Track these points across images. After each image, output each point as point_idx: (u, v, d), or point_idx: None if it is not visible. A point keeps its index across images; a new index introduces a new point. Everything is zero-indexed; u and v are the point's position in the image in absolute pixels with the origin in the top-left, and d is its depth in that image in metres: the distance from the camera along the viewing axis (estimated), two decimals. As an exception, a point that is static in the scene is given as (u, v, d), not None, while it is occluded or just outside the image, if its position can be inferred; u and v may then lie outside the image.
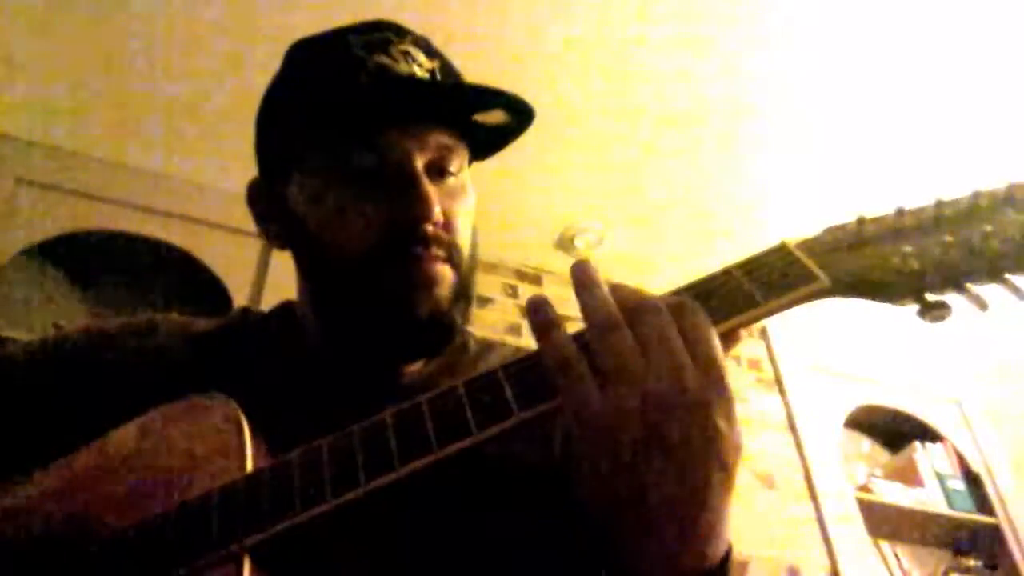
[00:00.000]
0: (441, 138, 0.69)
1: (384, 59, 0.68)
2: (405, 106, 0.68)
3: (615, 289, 0.51)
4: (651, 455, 0.45)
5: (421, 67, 0.70)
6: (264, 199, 0.76)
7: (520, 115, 0.73)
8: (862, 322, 2.77)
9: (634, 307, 0.49)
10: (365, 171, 0.67)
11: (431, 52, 0.73)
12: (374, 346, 0.69)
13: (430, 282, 0.66)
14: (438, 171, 0.70)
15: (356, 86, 0.67)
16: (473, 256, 0.72)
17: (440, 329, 0.68)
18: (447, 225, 0.68)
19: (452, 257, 0.68)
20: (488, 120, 0.72)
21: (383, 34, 0.71)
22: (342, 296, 0.69)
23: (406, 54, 0.70)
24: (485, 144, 0.76)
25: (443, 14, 1.95)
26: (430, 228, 0.66)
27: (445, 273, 0.67)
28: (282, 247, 0.76)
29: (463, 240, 0.70)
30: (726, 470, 0.46)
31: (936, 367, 3.09)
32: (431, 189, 0.66)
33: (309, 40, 0.74)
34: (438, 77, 0.71)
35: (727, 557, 0.48)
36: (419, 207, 0.65)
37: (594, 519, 0.49)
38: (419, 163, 0.67)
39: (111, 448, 0.62)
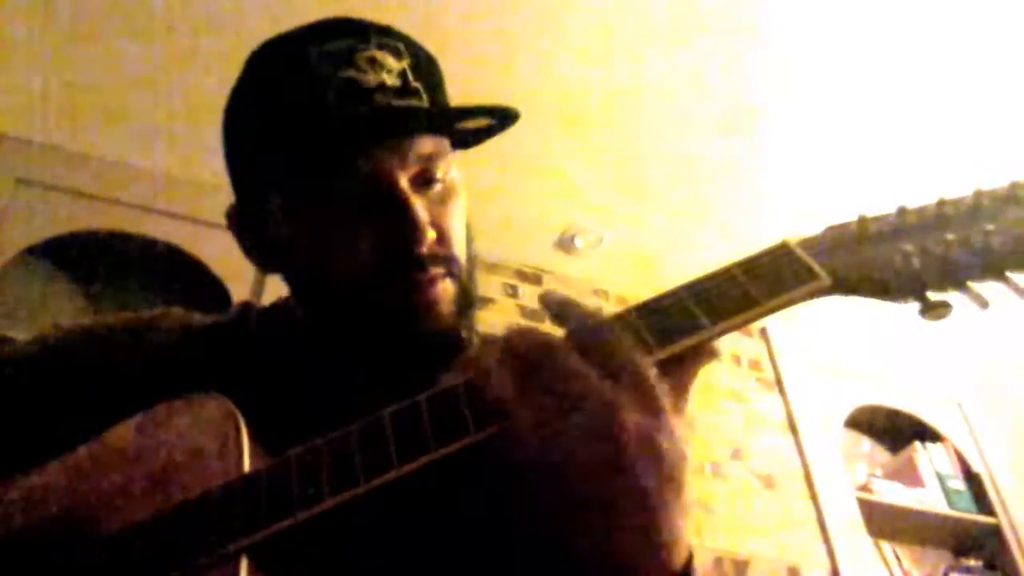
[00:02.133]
0: (422, 147, 0.66)
1: (350, 72, 0.64)
2: (379, 128, 0.65)
3: (519, 338, 0.50)
4: (590, 495, 0.45)
5: (391, 72, 0.66)
6: (243, 226, 0.74)
7: (503, 117, 0.71)
8: (862, 322, 2.77)
9: (540, 354, 0.49)
10: (347, 196, 0.64)
11: (398, 51, 0.68)
12: (379, 363, 0.68)
13: (432, 304, 0.65)
14: (425, 180, 0.67)
15: (324, 109, 0.63)
16: (471, 255, 0.71)
17: (447, 344, 0.66)
18: (441, 238, 0.66)
19: (451, 270, 0.67)
20: (470, 125, 0.70)
21: (346, 41, 0.66)
22: (339, 321, 0.68)
23: (372, 61, 0.66)
24: (471, 135, 0.73)
25: (443, 13, 1.95)
26: (424, 250, 0.64)
27: (446, 289, 0.66)
28: (270, 273, 0.74)
29: (459, 247, 0.69)
30: (677, 484, 0.46)
31: (936, 367, 3.09)
32: (420, 208, 0.63)
33: (267, 51, 0.71)
34: (410, 79, 0.67)
35: (689, 561, 0.48)
36: (411, 233, 0.63)
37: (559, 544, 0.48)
38: (403, 181, 0.64)
39: (109, 446, 0.62)
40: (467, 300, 0.68)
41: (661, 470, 0.45)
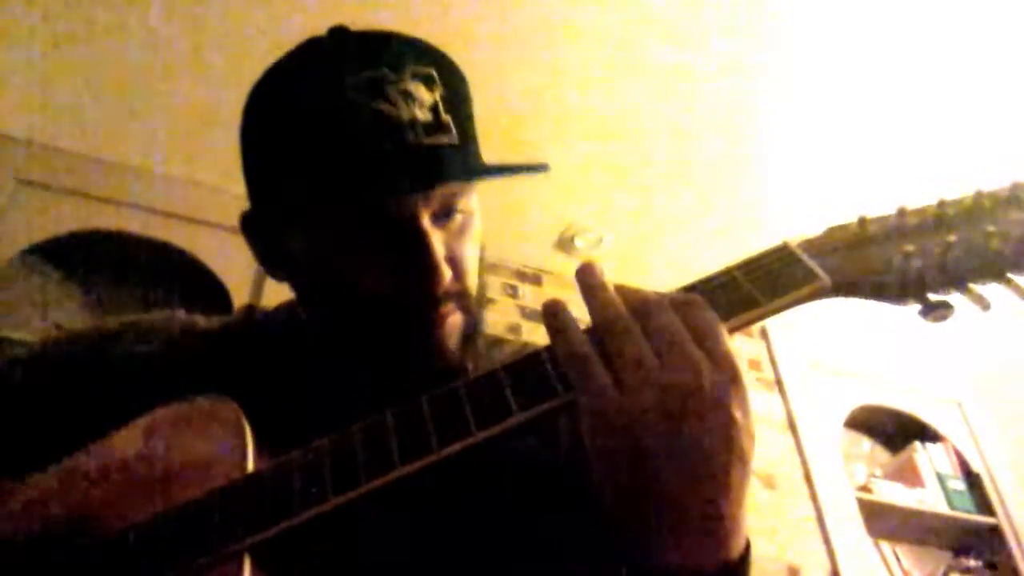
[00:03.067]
0: (449, 187, 0.66)
1: (383, 105, 0.63)
2: (407, 171, 0.64)
3: (619, 289, 0.52)
4: (672, 452, 0.45)
5: (423, 108, 0.65)
6: (260, 235, 0.73)
7: (531, 170, 0.71)
8: (862, 322, 2.77)
9: (641, 305, 0.50)
10: (369, 228, 0.64)
11: (430, 80, 0.67)
12: (379, 381, 0.68)
13: (442, 340, 0.65)
14: (445, 213, 0.67)
15: (354, 141, 0.63)
16: (481, 281, 0.71)
17: (448, 372, 0.66)
18: (456, 272, 0.66)
19: (463, 305, 0.67)
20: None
21: (380, 70, 0.65)
22: (348, 344, 0.68)
23: (405, 94, 0.64)
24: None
25: (445, 15, 1.95)
26: (442, 290, 0.64)
27: (456, 323, 0.66)
28: (283, 282, 0.74)
29: (472, 278, 0.69)
30: (744, 462, 0.47)
31: (936, 367, 3.09)
32: (440, 246, 0.64)
33: (298, 68, 0.69)
34: (441, 112, 0.65)
35: (747, 552, 0.49)
36: (431, 275, 0.63)
37: (614, 517, 0.49)
38: (426, 220, 0.64)
39: (113, 449, 0.62)
40: (473, 328, 0.69)
41: (738, 450, 0.46)
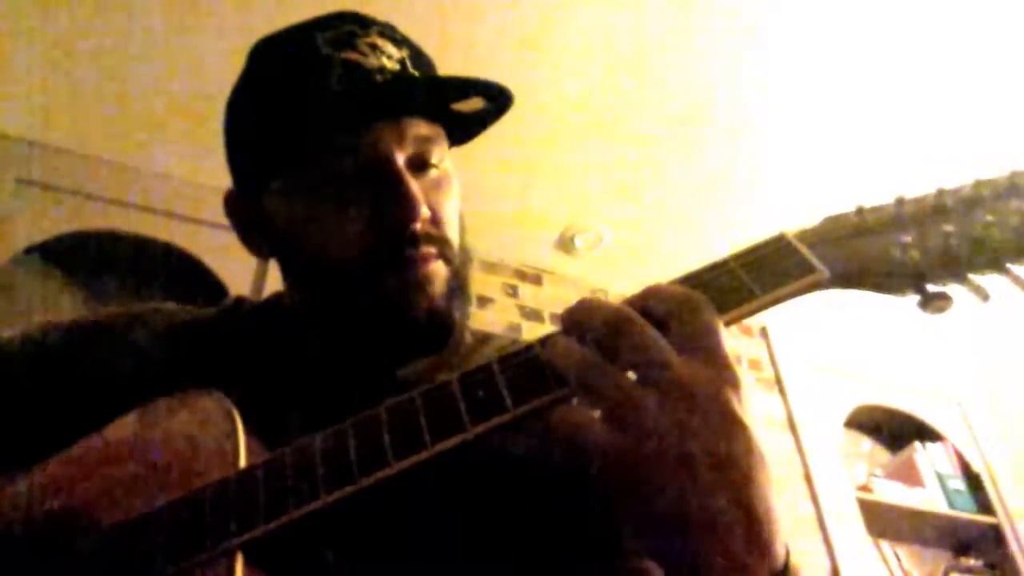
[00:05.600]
0: (419, 129, 0.67)
1: (352, 54, 0.66)
2: (380, 103, 0.66)
3: (586, 315, 0.50)
4: (686, 474, 0.43)
5: (391, 58, 0.68)
6: (242, 211, 0.74)
7: (498, 100, 0.71)
8: (862, 321, 2.77)
9: (611, 330, 0.48)
10: (345, 174, 0.65)
11: (398, 41, 0.70)
12: (371, 348, 0.68)
13: (424, 282, 0.65)
14: (420, 164, 0.68)
15: (326, 87, 0.65)
16: (465, 247, 0.71)
17: (438, 327, 0.67)
18: (435, 220, 0.67)
19: (444, 252, 0.67)
20: (466, 108, 0.70)
21: (347, 27, 0.68)
22: (334, 303, 0.68)
23: (373, 46, 0.67)
24: (464, 129, 0.75)
25: (444, 15, 1.95)
26: (419, 227, 0.64)
27: (439, 270, 0.66)
28: (267, 258, 0.75)
29: (453, 232, 0.69)
30: (764, 460, 0.45)
31: (936, 367, 3.08)
32: (416, 186, 0.64)
33: (271, 39, 0.72)
34: (408, 67, 0.68)
35: (787, 556, 0.47)
36: (406, 208, 0.63)
37: (651, 546, 0.47)
38: (400, 159, 0.65)
39: (104, 443, 0.61)
40: (458, 284, 0.68)
41: (756, 449, 0.45)
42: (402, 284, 0.65)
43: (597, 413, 0.46)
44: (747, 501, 0.44)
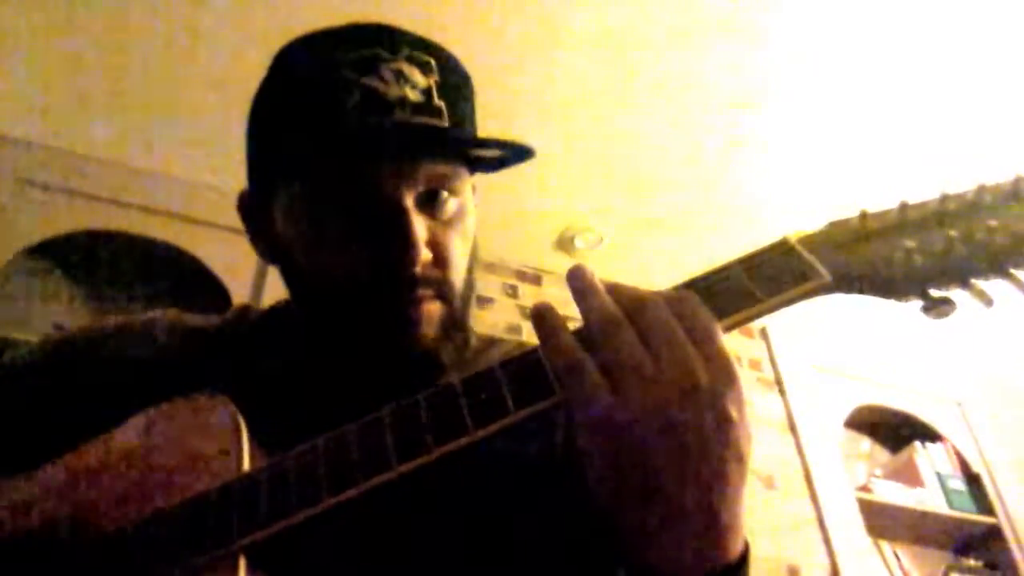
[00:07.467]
0: (434, 168, 0.65)
1: (374, 81, 0.64)
2: (390, 144, 0.64)
3: (613, 288, 0.51)
4: (668, 451, 0.45)
5: (415, 88, 0.65)
6: (253, 213, 0.74)
7: (517, 152, 0.70)
8: (863, 322, 2.77)
9: (634, 303, 0.49)
10: (352, 206, 0.64)
11: (426, 67, 0.67)
12: (362, 373, 0.68)
13: (415, 323, 0.64)
14: (431, 200, 0.66)
15: (341, 115, 0.63)
16: (470, 281, 0.70)
17: (426, 367, 0.66)
18: (437, 259, 0.66)
19: (442, 292, 0.66)
20: (485, 154, 0.69)
21: (374, 50, 0.65)
22: (329, 325, 0.67)
23: (398, 74, 0.65)
24: (487, 163, 0.73)
25: (443, 14, 1.94)
26: (418, 270, 0.63)
27: (434, 312, 0.65)
28: (271, 263, 0.74)
29: (456, 272, 0.68)
30: (741, 461, 0.46)
31: (936, 367, 3.08)
32: (420, 229, 0.63)
33: (297, 50, 0.70)
34: (434, 97, 0.66)
35: (746, 553, 0.48)
36: (406, 251, 0.62)
37: (610, 518, 0.48)
38: (409, 200, 0.63)
39: (110, 447, 0.62)
40: (455, 324, 0.67)
41: (734, 448, 0.46)
42: (395, 322, 0.64)
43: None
44: (710, 494, 0.45)
